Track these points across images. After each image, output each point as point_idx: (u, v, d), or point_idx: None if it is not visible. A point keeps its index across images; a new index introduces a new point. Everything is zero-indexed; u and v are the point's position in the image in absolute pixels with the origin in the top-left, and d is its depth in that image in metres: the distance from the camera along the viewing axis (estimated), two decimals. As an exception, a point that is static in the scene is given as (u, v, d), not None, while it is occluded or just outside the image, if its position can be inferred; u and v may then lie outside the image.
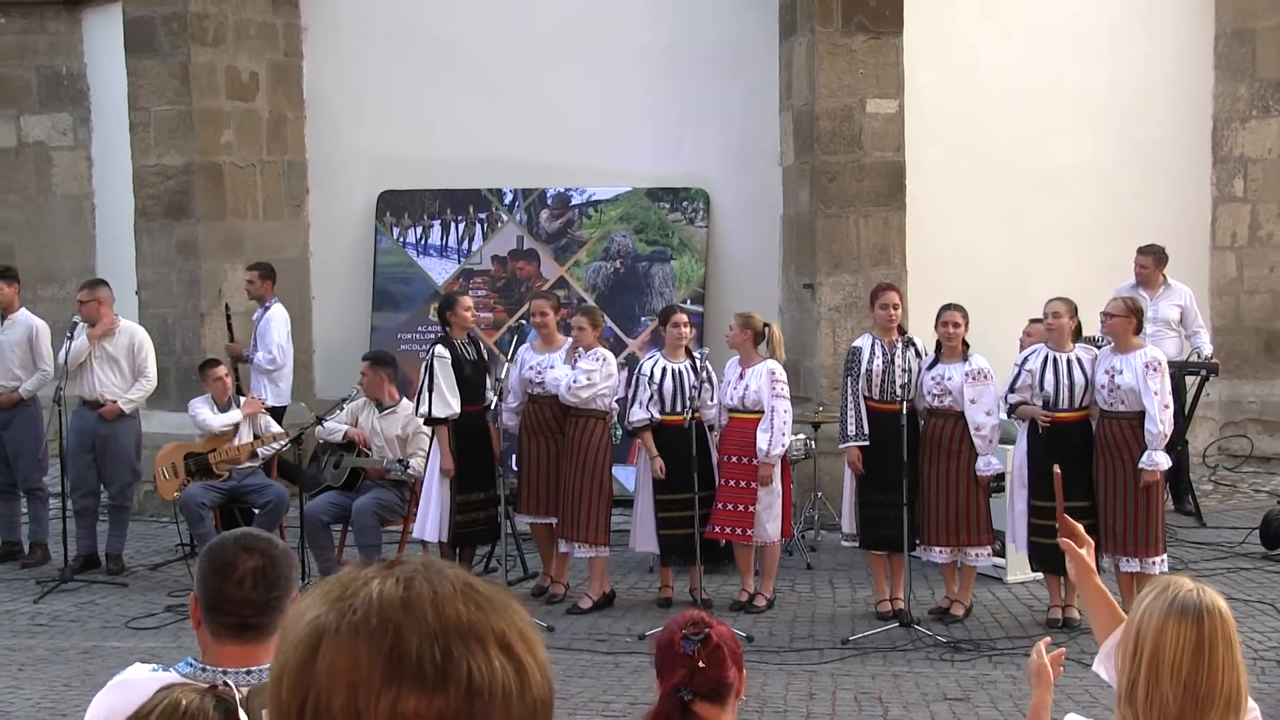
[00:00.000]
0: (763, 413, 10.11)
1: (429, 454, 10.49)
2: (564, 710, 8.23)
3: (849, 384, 10.09)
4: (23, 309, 11.84)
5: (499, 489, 10.37)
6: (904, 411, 9.64)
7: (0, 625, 10.24)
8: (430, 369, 10.24)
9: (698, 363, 10.24)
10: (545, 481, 10.54)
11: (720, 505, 10.21)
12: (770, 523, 10.19)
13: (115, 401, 11.32)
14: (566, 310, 11.51)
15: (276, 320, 12.48)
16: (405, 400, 10.90)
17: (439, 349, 10.40)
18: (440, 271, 13.99)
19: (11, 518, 12.06)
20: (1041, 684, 3.84)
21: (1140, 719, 3.18)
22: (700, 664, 3.95)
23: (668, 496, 10.20)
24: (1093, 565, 4.03)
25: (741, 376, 10.23)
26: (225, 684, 3.03)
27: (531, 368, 10.55)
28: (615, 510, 10.75)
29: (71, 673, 8.97)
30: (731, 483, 10.22)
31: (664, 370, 10.26)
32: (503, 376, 10.51)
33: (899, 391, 9.77)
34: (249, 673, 3.52)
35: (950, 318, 9.91)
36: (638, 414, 10.29)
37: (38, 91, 15.83)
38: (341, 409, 10.89)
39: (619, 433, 11.31)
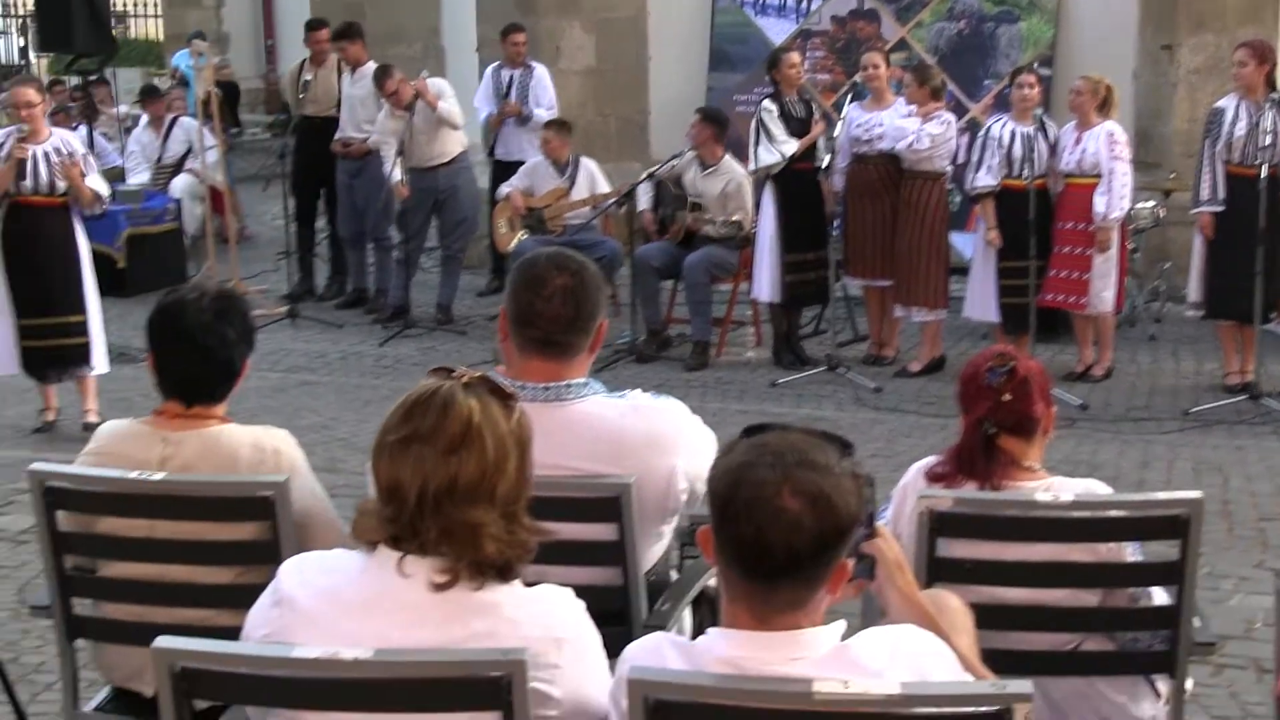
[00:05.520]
0: (1100, 176, 9.63)
1: (758, 213, 10.36)
2: (889, 468, 8.13)
3: (1207, 146, 9.53)
4: (370, 63, 12.03)
5: (829, 251, 10.19)
6: (1262, 176, 9.06)
7: (349, 364, 10.81)
8: (760, 121, 10.11)
9: (1046, 127, 9.81)
10: (875, 244, 10.32)
11: (1054, 272, 9.83)
12: (1106, 291, 9.77)
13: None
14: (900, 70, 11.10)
15: (546, 76, 12.59)
16: (729, 159, 10.73)
17: (766, 103, 10.27)
18: (778, 31, 13.62)
19: (360, 265, 12.55)
20: None
21: None
22: (1005, 396, 3.75)
23: (1009, 264, 9.85)
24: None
25: (1079, 140, 9.74)
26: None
27: (859, 125, 10.26)
28: (951, 276, 10.48)
29: (412, 410, 9.31)
30: (1067, 249, 9.81)
31: (1012, 133, 9.84)
32: (835, 135, 10.25)
33: (1260, 154, 9.17)
34: (546, 388, 3.48)
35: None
36: (984, 179, 9.93)
37: None
38: (672, 165, 10.81)
39: (956, 198, 10.99)
